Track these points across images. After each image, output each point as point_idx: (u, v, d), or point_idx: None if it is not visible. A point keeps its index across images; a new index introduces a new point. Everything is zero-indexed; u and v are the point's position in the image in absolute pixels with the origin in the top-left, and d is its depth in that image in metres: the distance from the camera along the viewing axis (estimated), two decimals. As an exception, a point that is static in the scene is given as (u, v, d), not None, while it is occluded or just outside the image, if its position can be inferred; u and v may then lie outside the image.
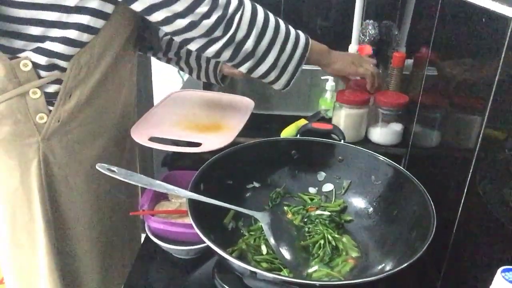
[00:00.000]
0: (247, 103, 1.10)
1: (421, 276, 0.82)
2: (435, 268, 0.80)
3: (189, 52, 1.04)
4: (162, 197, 0.93)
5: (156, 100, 1.14)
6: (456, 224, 0.73)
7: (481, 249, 0.67)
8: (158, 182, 0.78)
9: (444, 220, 0.72)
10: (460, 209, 0.72)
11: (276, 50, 0.84)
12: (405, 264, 0.62)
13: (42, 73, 0.79)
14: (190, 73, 1.08)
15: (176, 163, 1.12)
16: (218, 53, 0.81)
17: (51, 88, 0.80)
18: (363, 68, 0.98)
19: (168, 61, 1.08)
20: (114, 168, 0.75)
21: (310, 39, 0.89)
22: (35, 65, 0.78)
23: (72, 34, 0.77)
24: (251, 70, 0.85)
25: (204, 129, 0.96)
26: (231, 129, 0.94)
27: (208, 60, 1.03)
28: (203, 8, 0.76)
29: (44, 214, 0.86)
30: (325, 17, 1.71)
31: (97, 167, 0.75)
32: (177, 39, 0.80)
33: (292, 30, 0.87)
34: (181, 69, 1.10)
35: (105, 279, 1.01)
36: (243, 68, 0.85)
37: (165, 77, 1.73)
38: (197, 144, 0.87)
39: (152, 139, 0.90)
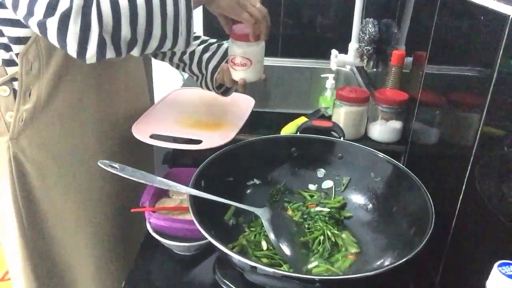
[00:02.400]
0: (247, 101, 1.10)
1: (419, 271, 0.83)
2: (433, 263, 0.81)
3: (191, 58, 1.00)
4: (163, 194, 0.93)
5: (156, 98, 1.14)
6: (454, 220, 0.74)
7: (479, 244, 0.68)
8: (159, 178, 0.79)
9: (443, 216, 0.73)
10: (459, 205, 0.73)
11: (158, 21, 0.69)
12: (404, 259, 0.63)
13: (7, 69, 0.78)
14: (197, 80, 1.04)
15: (177, 161, 1.12)
16: (102, 55, 0.67)
17: (17, 86, 0.79)
18: (247, 14, 0.80)
19: (177, 67, 1.05)
20: (116, 165, 0.75)
21: None
22: (3, 61, 0.77)
23: (8, 30, 0.75)
24: (142, 51, 0.72)
25: (205, 126, 0.96)
26: (231, 127, 0.94)
27: (207, 67, 0.99)
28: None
29: (18, 216, 0.88)
30: (325, 15, 1.72)
31: (99, 163, 0.75)
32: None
33: None
34: (191, 76, 1.06)
35: (105, 275, 1.02)
36: (134, 53, 0.72)
37: (166, 75, 1.74)
38: (198, 142, 0.88)
39: (153, 136, 0.90)
